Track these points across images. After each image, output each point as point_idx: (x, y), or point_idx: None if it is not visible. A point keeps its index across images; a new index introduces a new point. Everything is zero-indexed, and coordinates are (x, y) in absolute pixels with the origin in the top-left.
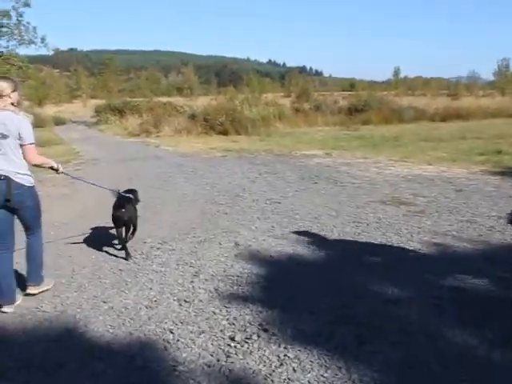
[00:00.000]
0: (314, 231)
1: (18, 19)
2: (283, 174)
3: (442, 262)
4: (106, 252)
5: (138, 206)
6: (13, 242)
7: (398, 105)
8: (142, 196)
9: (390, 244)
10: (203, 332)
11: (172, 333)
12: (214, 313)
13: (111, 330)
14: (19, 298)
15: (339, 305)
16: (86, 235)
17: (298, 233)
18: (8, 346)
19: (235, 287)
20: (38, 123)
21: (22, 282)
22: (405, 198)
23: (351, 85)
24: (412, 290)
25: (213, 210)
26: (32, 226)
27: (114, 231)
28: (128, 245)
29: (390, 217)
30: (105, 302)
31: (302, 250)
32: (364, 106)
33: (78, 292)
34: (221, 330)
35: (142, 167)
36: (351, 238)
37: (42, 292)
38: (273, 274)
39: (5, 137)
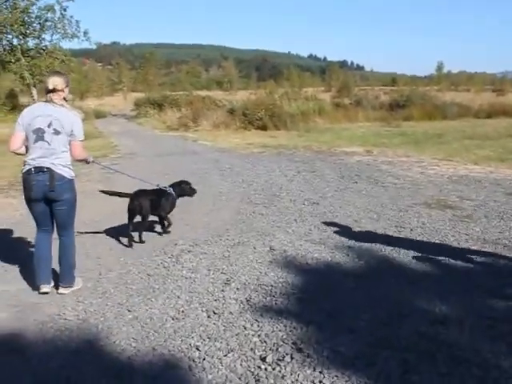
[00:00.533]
0: (353, 236)
1: (61, 13)
2: (322, 172)
3: (494, 275)
4: (135, 254)
5: None
6: (52, 228)
7: (441, 100)
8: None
9: (436, 253)
10: (232, 350)
11: (198, 350)
12: (245, 327)
13: (134, 344)
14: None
15: (381, 323)
16: (117, 234)
17: (337, 238)
18: (25, 357)
19: (268, 298)
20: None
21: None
22: (451, 201)
23: (393, 80)
24: (462, 309)
25: (248, 210)
26: (66, 224)
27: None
28: (160, 247)
29: (435, 222)
30: (129, 311)
31: (341, 257)
32: (406, 101)
33: (103, 298)
34: (251, 349)
35: (178, 162)
36: (393, 245)
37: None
38: (309, 284)
39: (58, 133)
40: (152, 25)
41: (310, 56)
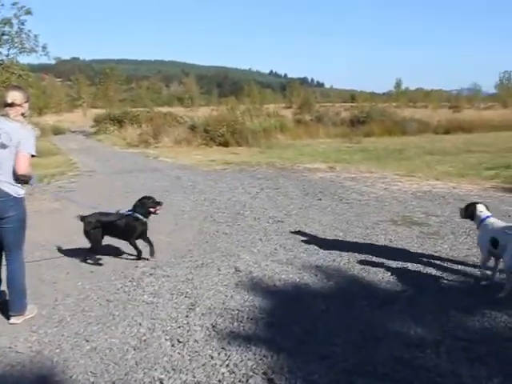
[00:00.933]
0: (321, 255)
1: (19, 27)
2: (286, 189)
3: (466, 293)
4: (94, 278)
5: None
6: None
7: (401, 116)
8: None
9: (406, 272)
10: (199, 383)
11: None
12: (212, 357)
13: (92, 379)
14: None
15: (355, 347)
16: (74, 257)
17: (304, 257)
18: None
19: (235, 324)
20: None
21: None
22: (416, 218)
23: (352, 96)
24: (437, 330)
25: (211, 229)
26: (12, 245)
27: (106, 253)
28: (119, 270)
29: (402, 239)
30: (88, 341)
31: (310, 278)
32: (366, 117)
33: (59, 327)
34: (219, 381)
35: (139, 180)
36: (362, 264)
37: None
38: (278, 307)
39: (4, 146)
40: (112, 40)
41: (271, 73)
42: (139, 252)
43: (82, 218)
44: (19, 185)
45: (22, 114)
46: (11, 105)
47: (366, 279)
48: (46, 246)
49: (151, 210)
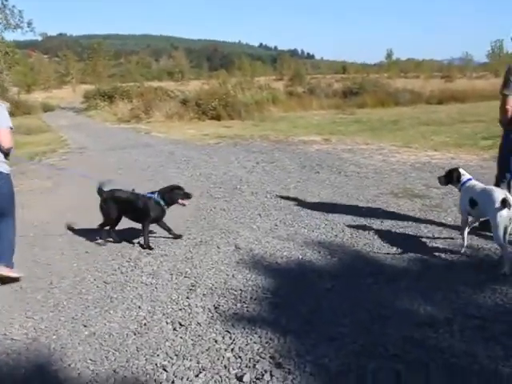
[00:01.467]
0: (322, 231)
1: (2, 3)
2: (282, 162)
3: (475, 268)
4: (90, 258)
5: None
6: None
7: (393, 87)
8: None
9: (411, 246)
10: (203, 369)
11: (165, 370)
12: (216, 341)
13: (92, 367)
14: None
15: (363, 328)
16: (69, 236)
17: (306, 233)
18: None
19: (239, 305)
20: (25, 110)
21: None
22: (417, 190)
23: (343, 68)
24: (448, 308)
25: (208, 205)
26: (5, 213)
27: (96, 232)
28: (116, 250)
29: (404, 212)
30: (86, 326)
31: (313, 254)
32: (359, 89)
33: (55, 312)
34: (225, 366)
35: (131, 156)
36: (366, 239)
37: (9, 277)
38: (281, 286)
39: None
40: (100, 16)
41: (261, 45)
42: (147, 241)
43: (100, 192)
44: (5, 160)
45: None
46: None
47: (370, 255)
48: (39, 226)
49: (179, 201)
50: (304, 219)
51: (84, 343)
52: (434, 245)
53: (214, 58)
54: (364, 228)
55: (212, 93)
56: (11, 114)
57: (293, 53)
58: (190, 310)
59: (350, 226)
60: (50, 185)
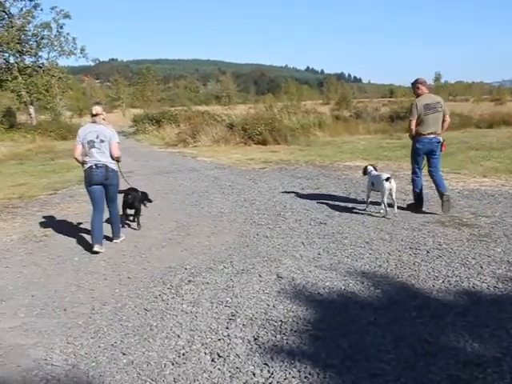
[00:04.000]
0: (366, 260)
1: (58, 31)
2: (327, 188)
3: None
4: (132, 284)
5: (171, 227)
6: (103, 207)
7: None
8: (176, 215)
9: (457, 278)
10: None
11: None
12: (254, 374)
13: None
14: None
15: (407, 365)
16: (113, 261)
17: (349, 262)
18: None
19: (278, 336)
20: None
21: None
22: (465, 219)
23: (391, 91)
24: (496, 347)
25: (252, 232)
26: (113, 200)
27: (142, 257)
28: (158, 276)
29: (451, 242)
30: (124, 354)
31: (355, 285)
32: (406, 113)
33: (95, 338)
34: None
35: (177, 181)
36: (410, 270)
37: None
38: (323, 318)
39: (103, 141)
40: (150, 41)
41: (308, 69)
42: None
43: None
44: (114, 163)
45: (103, 119)
46: (96, 115)
47: (415, 287)
48: (84, 250)
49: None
50: (348, 248)
51: (122, 372)
52: (482, 277)
53: (261, 82)
54: (409, 258)
55: (258, 117)
56: (64, 138)
57: (339, 76)
58: (229, 341)
59: (394, 256)
60: None
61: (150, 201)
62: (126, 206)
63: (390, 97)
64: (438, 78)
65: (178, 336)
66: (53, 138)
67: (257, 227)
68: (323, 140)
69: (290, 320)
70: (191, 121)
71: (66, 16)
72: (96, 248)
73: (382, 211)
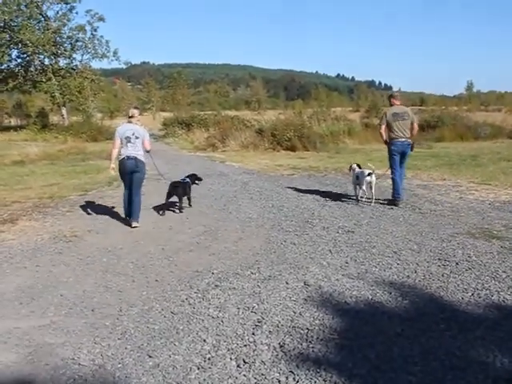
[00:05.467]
0: (394, 270)
1: (92, 33)
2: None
3: None
4: (159, 287)
5: (199, 231)
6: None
7: (473, 121)
8: (204, 219)
9: (487, 292)
10: None
11: None
12: (279, 381)
13: None
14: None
15: (434, 379)
16: (141, 263)
17: (377, 272)
18: None
19: (304, 344)
20: (107, 136)
21: None
22: (496, 231)
23: (421, 99)
24: None
25: (279, 238)
26: (138, 186)
27: (169, 260)
28: (185, 280)
29: (481, 254)
30: (150, 357)
31: (383, 295)
32: (437, 122)
33: (122, 340)
34: None
35: (205, 185)
36: (439, 282)
37: (136, 226)
38: (350, 327)
39: (137, 138)
40: (181, 45)
41: (338, 76)
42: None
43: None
44: (144, 156)
45: (138, 120)
46: (132, 116)
47: (444, 299)
48: (112, 252)
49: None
50: (375, 257)
51: (148, 374)
52: None
53: (291, 87)
54: (437, 269)
55: (288, 123)
56: (94, 140)
57: (370, 84)
58: (254, 347)
59: (422, 267)
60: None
61: (200, 179)
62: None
63: (421, 105)
64: (469, 87)
65: (204, 340)
66: (84, 139)
67: (284, 234)
68: (352, 147)
69: (317, 328)
70: (220, 125)
71: (101, 19)
72: (134, 224)
73: (360, 197)
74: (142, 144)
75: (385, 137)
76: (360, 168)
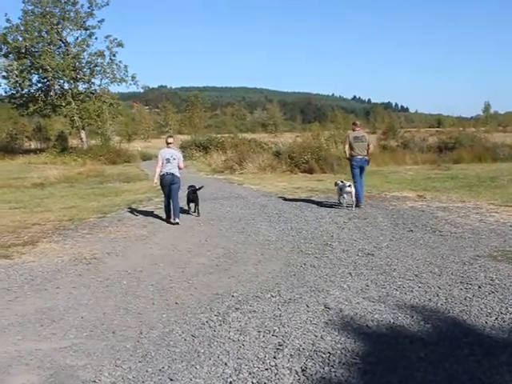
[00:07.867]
0: (415, 293)
1: (111, 58)
2: (374, 219)
3: None
4: (179, 310)
5: (218, 253)
6: (170, 196)
7: (491, 142)
8: (223, 242)
9: (511, 316)
10: None
11: None
12: None
13: None
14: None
15: None
16: (161, 285)
17: (398, 295)
18: None
19: (326, 368)
20: (125, 158)
21: None
22: None
23: (438, 121)
24: None
25: (298, 261)
26: (176, 194)
27: (189, 283)
28: (205, 303)
29: (504, 278)
30: (172, 380)
31: (405, 319)
32: (455, 143)
33: (143, 363)
34: None
35: (223, 207)
36: (462, 305)
37: (178, 223)
38: (371, 351)
39: (174, 159)
40: (198, 69)
41: (354, 98)
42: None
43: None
44: (179, 172)
45: (174, 145)
46: (170, 143)
47: (467, 323)
48: (132, 274)
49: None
50: (396, 280)
51: None
52: None
53: (308, 110)
54: (460, 293)
55: (305, 146)
56: (113, 163)
57: (386, 106)
58: (276, 371)
59: (444, 290)
60: (144, 233)
61: (200, 188)
62: (189, 200)
63: (438, 127)
64: (487, 109)
65: (226, 364)
66: (102, 162)
67: (304, 256)
68: (370, 169)
69: (339, 352)
70: (238, 148)
71: (120, 44)
72: (176, 220)
73: (342, 203)
74: (177, 164)
75: (348, 154)
76: (342, 182)
